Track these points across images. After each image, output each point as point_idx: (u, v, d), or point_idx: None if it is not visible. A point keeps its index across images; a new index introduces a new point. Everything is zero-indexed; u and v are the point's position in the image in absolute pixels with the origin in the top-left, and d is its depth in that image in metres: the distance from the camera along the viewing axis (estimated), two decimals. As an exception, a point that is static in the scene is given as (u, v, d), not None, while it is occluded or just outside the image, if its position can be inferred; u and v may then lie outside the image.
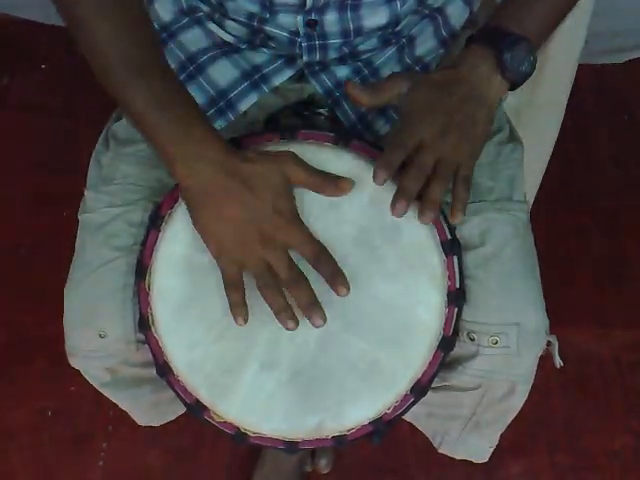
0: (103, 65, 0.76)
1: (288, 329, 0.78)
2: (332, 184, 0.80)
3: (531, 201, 1.29)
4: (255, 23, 0.91)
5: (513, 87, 0.86)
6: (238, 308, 0.79)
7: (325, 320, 0.77)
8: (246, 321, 0.79)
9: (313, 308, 0.77)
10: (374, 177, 0.77)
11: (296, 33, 0.91)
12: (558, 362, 0.93)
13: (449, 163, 0.79)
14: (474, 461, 1.07)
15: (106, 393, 0.99)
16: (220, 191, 0.76)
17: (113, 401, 1.01)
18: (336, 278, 0.77)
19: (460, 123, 0.80)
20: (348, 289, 0.77)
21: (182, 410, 0.88)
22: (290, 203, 0.78)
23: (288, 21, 0.90)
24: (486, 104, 0.83)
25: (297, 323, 0.78)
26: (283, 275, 0.77)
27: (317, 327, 0.78)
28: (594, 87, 1.97)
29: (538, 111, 1.25)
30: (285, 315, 0.77)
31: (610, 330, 1.65)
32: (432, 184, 0.78)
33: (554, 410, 1.56)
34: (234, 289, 0.79)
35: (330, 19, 0.90)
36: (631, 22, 1.90)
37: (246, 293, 0.79)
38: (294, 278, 0.77)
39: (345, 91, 0.86)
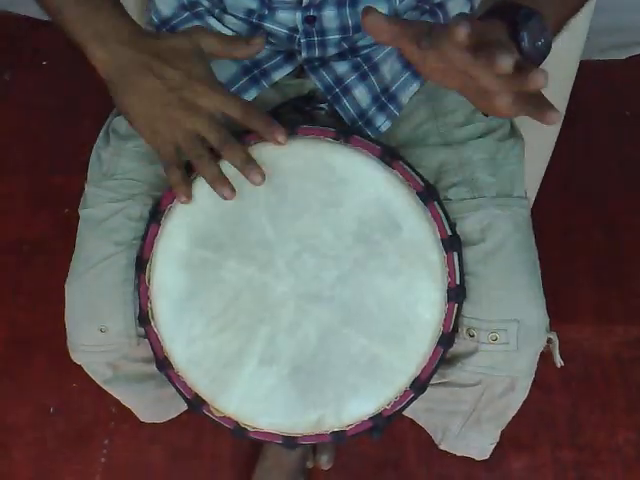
0: None
1: (225, 198, 0.77)
2: (244, 44, 0.82)
3: (533, 197, 1.29)
4: (254, 19, 0.91)
5: None
6: (180, 186, 0.79)
7: (263, 177, 0.77)
8: (189, 197, 0.80)
9: (249, 165, 0.77)
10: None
11: (295, 29, 0.91)
12: (559, 361, 0.93)
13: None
14: (475, 457, 1.07)
15: (109, 389, 0.99)
16: (136, 68, 0.77)
17: (116, 397, 1.02)
18: (271, 129, 0.78)
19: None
20: (285, 134, 0.78)
21: (185, 407, 0.88)
22: (206, 69, 0.79)
23: (287, 17, 0.90)
24: None
25: (233, 191, 0.77)
26: (213, 141, 0.77)
27: (256, 184, 0.77)
28: (596, 83, 1.97)
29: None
30: (221, 184, 0.77)
31: (611, 327, 1.64)
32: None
33: (556, 406, 1.56)
34: (173, 168, 0.79)
35: (328, 15, 0.89)
36: (633, 18, 1.90)
37: (243, 290, 0.79)
38: (224, 141, 0.77)
39: (363, 20, 0.76)
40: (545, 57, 0.78)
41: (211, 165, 0.77)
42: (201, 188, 0.80)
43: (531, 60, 0.76)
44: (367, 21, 0.67)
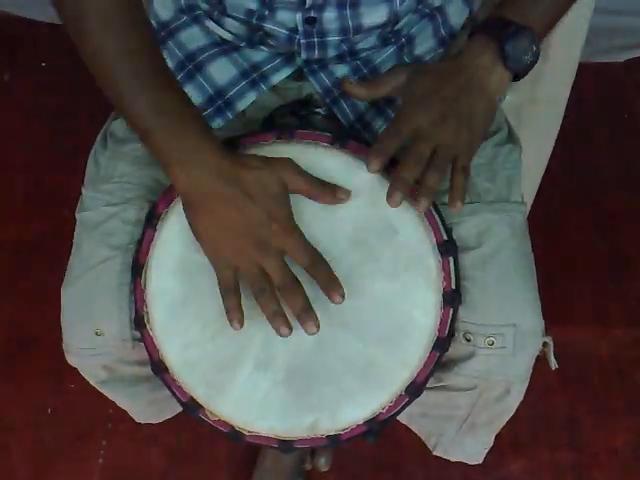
0: (108, 79, 0.77)
1: (281, 335, 0.77)
2: (329, 193, 0.81)
3: (530, 202, 1.29)
4: (254, 20, 0.91)
5: (516, 78, 0.85)
6: (234, 312, 0.78)
7: (318, 327, 0.77)
8: (242, 325, 0.79)
9: (307, 315, 0.77)
10: (367, 164, 0.77)
11: (295, 30, 0.91)
12: (554, 364, 0.93)
13: (446, 152, 0.79)
14: (468, 462, 1.07)
15: (104, 391, 0.99)
16: (217, 197, 0.76)
17: (111, 399, 1.02)
18: (331, 285, 0.77)
19: (458, 112, 0.80)
20: (343, 297, 0.77)
21: (180, 408, 0.88)
22: (287, 210, 0.78)
23: (287, 18, 0.90)
24: (486, 95, 0.83)
25: (291, 329, 0.77)
26: (277, 281, 0.77)
27: (310, 334, 0.77)
28: (594, 86, 1.97)
29: (538, 109, 1.25)
30: (279, 321, 0.77)
31: (610, 328, 1.65)
32: (428, 172, 0.77)
33: (554, 408, 1.56)
34: (230, 294, 0.78)
35: (329, 16, 0.89)
36: (632, 21, 1.90)
37: (242, 293, 0.79)
38: (288, 285, 0.77)
39: (342, 89, 0.87)
40: (532, 67, 0.83)
41: (273, 301, 0.77)
42: None
43: (516, 73, 0.85)
44: (346, 91, 0.87)
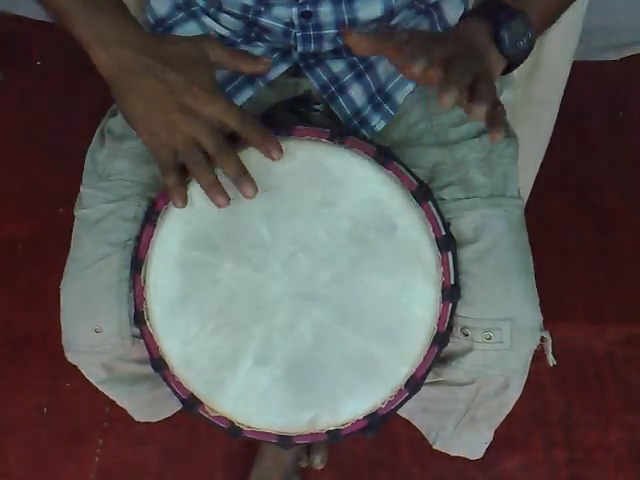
0: None
1: (219, 205, 0.77)
2: (252, 61, 0.83)
3: (526, 197, 1.30)
4: (250, 15, 0.91)
5: (510, 67, 0.82)
6: (176, 190, 0.79)
7: (256, 190, 0.77)
8: (185, 201, 0.79)
9: (242, 177, 0.77)
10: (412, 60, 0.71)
11: (291, 24, 0.91)
12: (551, 360, 0.93)
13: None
14: (469, 457, 1.07)
15: (104, 390, 0.99)
16: (138, 70, 0.78)
17: (110, 397, 1.02)
18: (267, 141, 0.78)
19: (470, 52, 0.76)
20: (281, 151, 0.78)
21: (179, 406, 0.89)
22: (209, 76, 0.79)
23: (283, 13, 0.90)
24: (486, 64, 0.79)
25: (228, 199, 0.77)
26: (210, 149, 0.77)
27: (248, 197, 0.77)
28: (590, 84, 1.97)
29: (533, 107, 1.26)
30: (214, 191, 0.77)
31: (604, 326, 1.65)
32: (478, 83, 0.71)
33: (549, 405, 1.56)
34: (169, 172, 0.79)
35: (324, 11, 0.90)
36: (627, 19, 1.90)
37: (238, 291, 0.79)
38: (219, 149, 0.77)
39: (344, 40, 0.81)
40: (527, 55, 0.81)
41: (207, 172, 0.77)
42: (196, 190, 0.79)
43: (511, 59, 0.80)
44: (347, 41, 0.79)
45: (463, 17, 0.84)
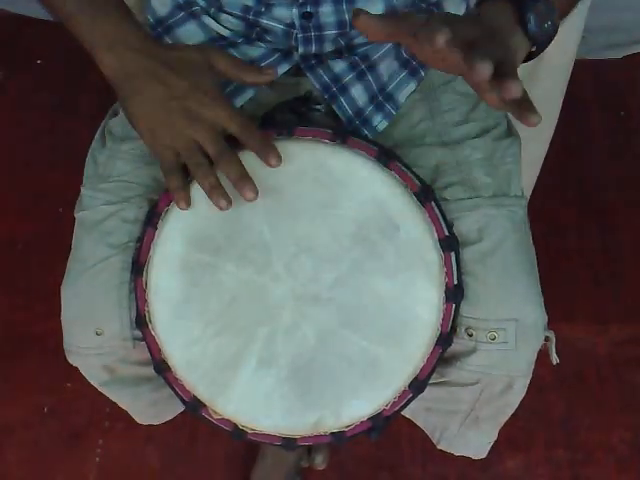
0: None
1: (220, 208, 0.78)
2: (255, 72, 0.83)
3: (528, 196, 1.29)
4: (250, 16, 0.91)
5: (532, 54, 0.76)
6: (179, 192, 0.80)
7: (256, 193, 0.77)
8: (188, 203, 0.80)
9: (243, 181, 0.77)
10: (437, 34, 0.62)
11: (291, 25, 0.91)
12: (555, 359, 0.93)
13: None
14: (473, 457, 1.07)
15: (105, 392, 0.99)
16: (141, 73, 0.79)
17: (112, 399, 1.01)
18: (266, 148, 0.78)
19: (493, 36, 0.69)
20: (280, 158, 0.78)
21: (181, 408, 0.88)
22: (212, 81, 0.80)
23: (283, 14, 0.90)
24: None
25: (230, 202, 0.78)
26: (212, 153, 0.78)
27: (249, 200, 0.77)
28: (592, 82, 1.97)
29: (535, 105, 1.25)
30: (216, 194, 0.77)
31: (606, 326, 1.65)
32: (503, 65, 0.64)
33: (551, 405, 1.56)
34: (172, 174, 0.80)
35: (325, 11, 0.89)
36: (629, 17, 1.90)
37: (241, 292, 0.78)
38: (221, 152, 0.78)
39: (354, 23, 0.71)
40: (552, 38, 0.75)
41: (209, 174, 0.78)
42: (198, 192, 0.79)
43: (537, 42, 0.75)
44: (359, 23, 0.69)
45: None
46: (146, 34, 0.81)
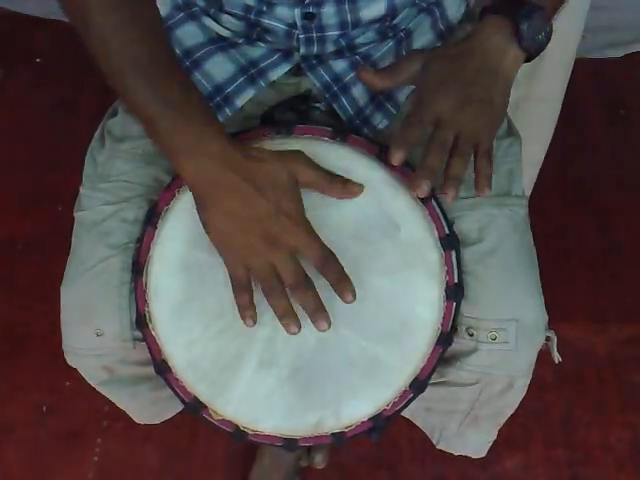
0: (111, 68, 0.75)
1: (291, 333, 0.77)
2: (341, 186, 0.80)
3: (528, 196, 1.29)
4: (252, 16, 0.91)
5: (528, 59, 0.84)
6: (247, 310, 0.78)
7: (330, 324, 0.77)
8: (255, 322, 0.78)
9: (319, 313, 0.76)
10: (391, 156, 0.76)
11: (293, 25, 0.91)
12: (557, 358, 0.93)
13: (469, 137, 0.78)
14: (472, 456, 1.07)
15: (103, 392, 0.98)
16: (224, 187, 0.75)
17: (112, 400, 1.01)
18: (342, 284, 0.76)
19: (477, 95, 0.79)
20: (354, 295, 0.76)
21: (180, 407, 0.88)
22: (297, 204, 0.77)
23: (285, 14, 0.90)
24: (502, 75, 0.82)
25: (300, 327, 0.77)
26: (289, 279, 0.76)
27: (322, 331, 0.77)
28: (592, 81, 1.97)
29: (535, 105, 1.25)
30: (289, 319, 0.76)
31: (606, 326, 1.65)
32: (453, 160, 0.77)
33: (550, 404, 1.56)
34: (242, 291, 0.78)
35: (328, 12, 0.89)
36: (629, 16, 1.90)
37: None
38: (300, 283, 0.76)
39: (358, 76, 0.86)
40: (544, 47, 0.83)
41: (283, 299, 0.76)
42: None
43: (530, 52, 0.83)
44: (362, 78, 0.88)
45: (482, 15, 0.84)
46: (230, 141, 0.75)
